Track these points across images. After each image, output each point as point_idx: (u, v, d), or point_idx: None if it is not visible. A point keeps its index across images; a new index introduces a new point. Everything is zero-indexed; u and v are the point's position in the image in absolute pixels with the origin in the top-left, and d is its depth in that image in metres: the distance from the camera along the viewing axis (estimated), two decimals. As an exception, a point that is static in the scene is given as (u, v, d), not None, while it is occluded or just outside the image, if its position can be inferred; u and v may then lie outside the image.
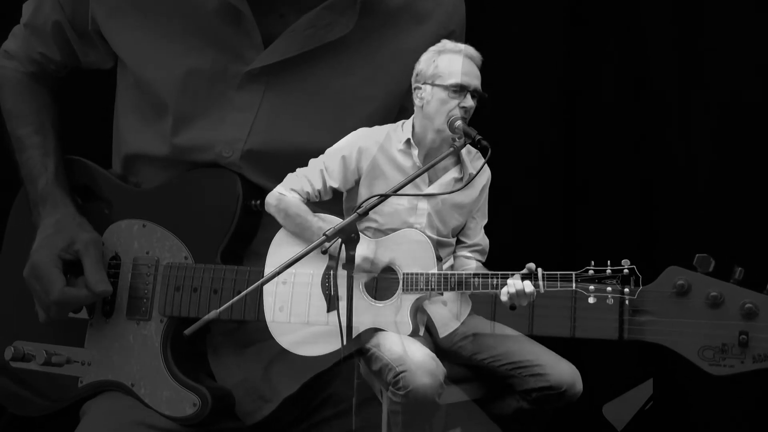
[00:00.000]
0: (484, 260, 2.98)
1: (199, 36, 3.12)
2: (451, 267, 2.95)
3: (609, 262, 2.72)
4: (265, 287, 2.82)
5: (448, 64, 2.82)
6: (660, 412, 3.41)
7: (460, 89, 2.81)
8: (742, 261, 2.68)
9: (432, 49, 2.86)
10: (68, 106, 3.38)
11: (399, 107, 3.09)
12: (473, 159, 2.90)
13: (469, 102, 2.81)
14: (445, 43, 2.86)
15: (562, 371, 2.83)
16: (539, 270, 2.73)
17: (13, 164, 3.29)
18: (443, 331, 2.90)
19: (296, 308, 2.88)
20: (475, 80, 2.83)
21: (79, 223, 3.15)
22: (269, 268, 2.89)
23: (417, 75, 2.86)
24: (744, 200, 3.82)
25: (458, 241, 2.96)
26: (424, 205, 2.88)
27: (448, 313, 2.89)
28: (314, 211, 2.91)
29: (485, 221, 2.98)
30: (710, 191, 3.88)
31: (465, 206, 2.92)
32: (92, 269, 3.08)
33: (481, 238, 2.97)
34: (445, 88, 2.81)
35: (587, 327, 2.74)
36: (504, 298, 2.74)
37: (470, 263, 2.95)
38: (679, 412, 3.90)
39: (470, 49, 2.85)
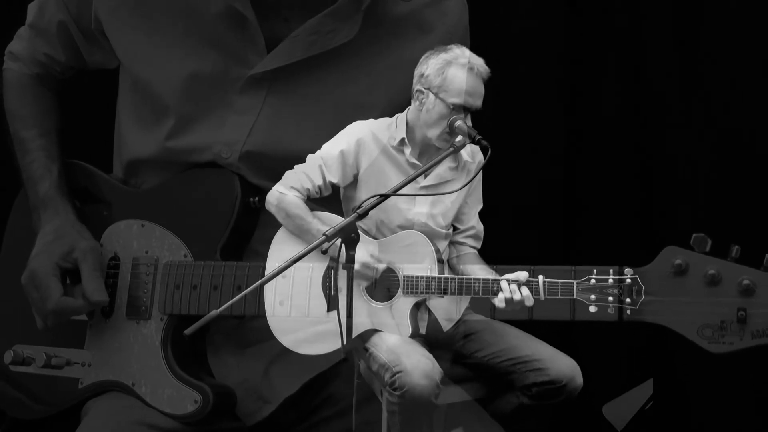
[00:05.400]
0: (479, 246, 2.98)
1: (202, 39, 3.14)
2: (448, 255, 2.96)
3: (611, 271, 2.73)
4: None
5: (456, 80, 2.81)
6: (660, 412, 3.41)
7: (462, 109, 2.82)
8: (738, 241, 2.70)
9: (443, 56, 2.84)
10: (71, 110, 3.39)
11: (398, 116, 3.09)
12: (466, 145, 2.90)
13: (468, 122, 2.82)
14: (457, 54, 2.84)
15: (562, 365, 2.83)
16: (540, 277, 2.74)
17: (13, 167, 3.29)
18: (446, 325, 2.90)
19: (296, 302, 2.89)
20: (478, 100, 2.83)
21: (78, 231, 3.15)
22: (270, 266, 2.90)
23: (422, 77, 2.85)
24: (741, 195, 3.84)
25: (453, 228, 2.97)
26: (423, 198, 2.89)
27: (448, 309, 2.88)
28: (314, 209, 2.92)
29: (480, 206, 2.98)
30: (708, 187, 3.90)
31: (461, 195, 2.93)
32: (89, 278, 3.08)
33: (475, 222, 2.97)
34: (448, 105, 2.81)
35: (587, 310, 2.74)
36: (501, 305, 2.75)
37: (464, 249, 2.96)
38: (680, 411, 3.89)
39: (479, 64, 2.84)
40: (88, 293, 3.06)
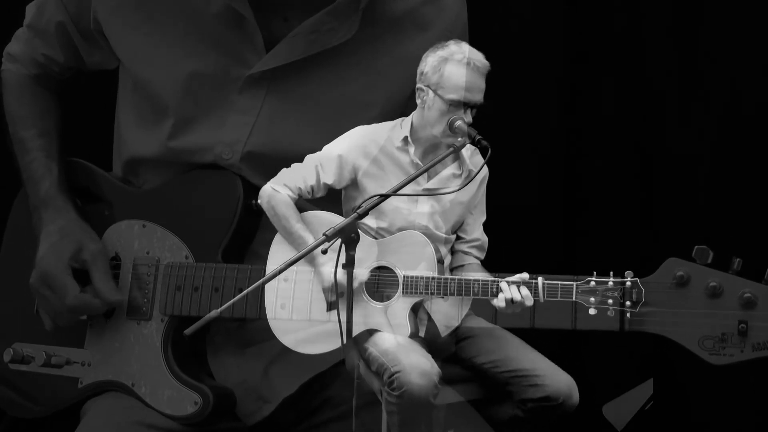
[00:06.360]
0: (482, 256, 2.98)
1: (201, 39, 3.13)
2: (450, 263, 2.96)
3: (612, 273, 2.74)
4: (266, 285, 2.83)
5: (453, 76, 2.79)
6: (660, 412, 3.42)
7: (460, 105, 2.80)
8: (739, 253, 2.70)
9: (440, 53, 2.82)
10: (70, 109, 3.39)
11: (399, 114, 3.04)
12: (472, 155, 2.90)
13: (469, 117, 2.81)
14: (453, 50, 2.82)
15: (560, 382, 2.83)
16: (540, 279, 2.74)
17: (13, 167, 3.29)
18: (444, 330, 2.90)
19: (298, 305, 2.89)
20: (477, 95, 2.81)
21: (83, 229, 3.15)
22: (270, 267, 2.90)
23: (422, 75, 2.84)
24: (742, 196, 3.85)
25: (457, 237, 2.96)
26: (424, 201, 2.89)
27: (449, 312, 2.89)
28: (312, 209, 2.92)
29: (484, 218, 2.98)
30: (709, 187, 3.90)
31: (464, 202, 2.93)
32: (103, 279, 3.08)
33: (480, 234, 2.97)
34: (446, 101, 2.80)
35: (588, 319, 2.75)
36: (501, 305, 2.75)
37: (468, 258, 2.96)
38: (680, 411, 3.91)
39: (477, 58, 2.82)
40: (104, 294, 3.06)
